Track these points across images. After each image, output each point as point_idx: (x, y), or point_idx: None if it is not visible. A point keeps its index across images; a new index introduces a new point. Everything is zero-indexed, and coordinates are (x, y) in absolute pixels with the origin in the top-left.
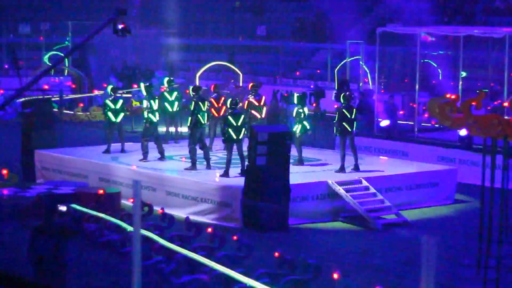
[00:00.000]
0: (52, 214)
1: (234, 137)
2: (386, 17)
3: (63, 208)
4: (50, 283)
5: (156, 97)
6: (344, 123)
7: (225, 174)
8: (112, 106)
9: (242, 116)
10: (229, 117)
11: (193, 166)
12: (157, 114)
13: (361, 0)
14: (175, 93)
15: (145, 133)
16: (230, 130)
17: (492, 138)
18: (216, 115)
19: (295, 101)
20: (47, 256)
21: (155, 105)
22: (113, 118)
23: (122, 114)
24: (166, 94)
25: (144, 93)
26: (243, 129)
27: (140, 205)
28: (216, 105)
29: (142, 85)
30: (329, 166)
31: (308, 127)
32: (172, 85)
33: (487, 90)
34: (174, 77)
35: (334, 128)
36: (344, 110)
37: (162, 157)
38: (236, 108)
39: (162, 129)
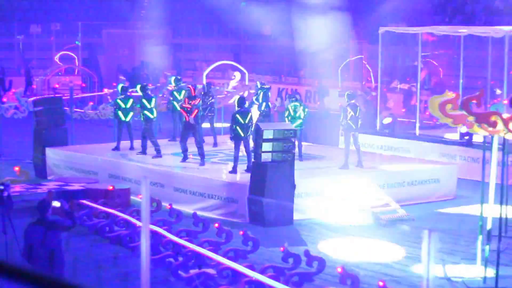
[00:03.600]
0: (45, 209)
1: (242, 134)
2: (388, 17)
3: (56, 204)
4: (40, 270)
5: (153, 95)
6: (348, 121)
7: (233, 170)
8: (122, 105)
9: (249, 114)
10: (237, 115)
11: (185, 156)
12: (154, 111)
13: (363, 0)
14: (183, 92)
15: (145, 131)
16: (238, 127)
17: (492, 135)
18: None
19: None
20: (35, 244)
21: (149, 104)
22: (123, 117)
23: (131, 113)
24: (175, 93)
25: (140, 93)
26: (250, 127)
27: (149, 201)
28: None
29: (138, 86)
30: (332, 163)
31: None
32: (180, 84)
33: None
34: (182, 76)
35: (341, 127)
36: (348, 108)
37: (158, 154)
38: (244, 106)
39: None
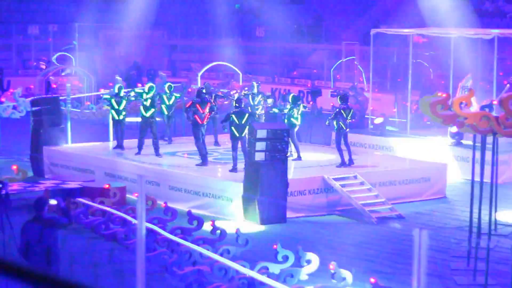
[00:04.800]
0: (42, 207)
1: (237, 134)
2: (380, 19)
3: (53, 202)
4: (36, 267)
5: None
6: (340, 122)
7: (233, 169)
8: (116, 105)
9: (246, 114)
10: (232, 115)
11: (204, 161)
12: (147, 109)
13: (355, 2)
14: (173, 98)
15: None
16: (232, 128)
17: (481, 134)
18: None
19: (290, 101)
20: (32, 241)
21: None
22: (116, 116)
23: (124, 113)
24: (164, 96)
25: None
26: (247, 127)
27: (144, 199)
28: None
29: (147, 86)
30: (325, 162)
31: (296, 123)
32: (171, 90)
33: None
34: (177, 76)
35: (328, 120)
36: (341, 110)
37: (157, 154)
38: (241, 107)
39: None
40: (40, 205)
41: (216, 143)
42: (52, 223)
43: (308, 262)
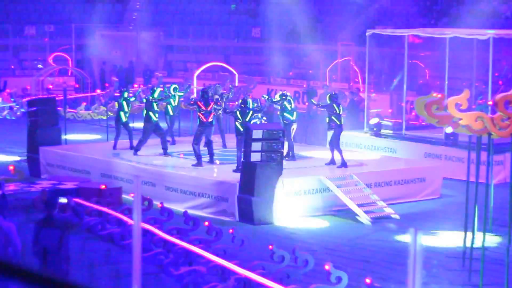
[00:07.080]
0: (54, 207)
1: (241, 129)
2: (376, 19)
3: (63, 200)
4: (54, 274)
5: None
6: (333, 117)
7: (237, 170)
8: (126, 108)
9: (250, 112)
10: (237, 112)
11: (199, 162)
12: (156, 113)
13: (351, 3)
14: (177, 98)
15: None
16: (236, 123)
17: (477, 135)
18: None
19: (278, 98)
20: (51, 248)
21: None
22: (124, 118)
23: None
24: (171, 100)
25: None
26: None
27: (140, 199)
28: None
29: (157, 89)
30: (321, 162)
31: (291, 118)
32: (176, 91)
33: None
34: (172, 77)
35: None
36: (333, 104)
37: (165, 153)
38: (246, 106)
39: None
40: (51, 205)
41: (224, 145)
42: (66, 224)
43: (305, 262)
